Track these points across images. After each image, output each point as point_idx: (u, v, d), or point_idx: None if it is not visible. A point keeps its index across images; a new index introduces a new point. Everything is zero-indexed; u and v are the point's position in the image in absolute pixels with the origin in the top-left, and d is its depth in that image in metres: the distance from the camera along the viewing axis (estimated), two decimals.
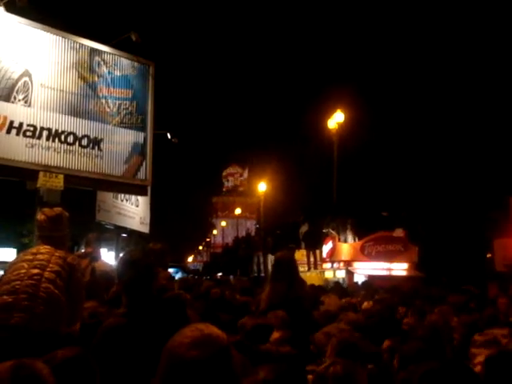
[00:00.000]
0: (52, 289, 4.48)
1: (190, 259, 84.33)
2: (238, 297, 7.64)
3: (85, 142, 10.66)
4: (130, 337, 3.15)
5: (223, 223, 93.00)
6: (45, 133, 10.10)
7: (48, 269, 4.56)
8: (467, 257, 21.99)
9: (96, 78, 11.04)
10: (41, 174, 9.88)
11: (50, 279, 4.51)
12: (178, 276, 23.94)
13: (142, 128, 11.81)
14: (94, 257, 7.52)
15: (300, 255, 20.91)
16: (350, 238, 20.83)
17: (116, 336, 3.20)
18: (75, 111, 10.59)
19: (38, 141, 10.02)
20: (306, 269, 21.61)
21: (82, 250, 8.49)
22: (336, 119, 23.88)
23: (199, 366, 1.79)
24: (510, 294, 10.04)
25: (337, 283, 15.84)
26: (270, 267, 26.92)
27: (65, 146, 10.36)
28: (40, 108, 10.10)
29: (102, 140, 10.95)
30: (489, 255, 19.75)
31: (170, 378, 1.81)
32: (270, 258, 27.04)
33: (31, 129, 9.95)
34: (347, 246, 20.51)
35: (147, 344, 2.91)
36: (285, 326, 4.96)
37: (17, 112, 9.81)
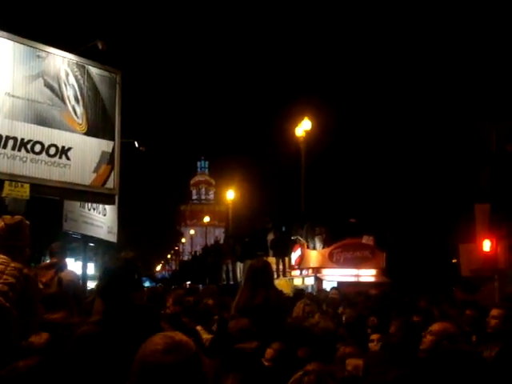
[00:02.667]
0: (2, 301, 4.36)
1: (159, 268, 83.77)
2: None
3: (52, 151, 10.55)
4: (103, 345, 3.13)
5: (192, 231, 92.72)
6: (10, 142, 9.96)
7: (1, 280, 4.43)
8: (434, 262, 22.32)
9: (63, 87, 10.95)
10: (6, 184, 9.75)
11: (1, 291, 4.39)
12: (146, 285, 23.80)
13: (110, 137, 11.75)
14: (60, 267, 7.46)
15: None
16: (318, 244, 20.93)
17: (89, 344, 3.17)
18: (42, 120, 10.47)
19: (3, 150, 9.88)
20: (275, 276, 21.67)
21: (48, 261, 8.42)
22: (303, 127, 24.01)
23: (173, 372, 1.81)
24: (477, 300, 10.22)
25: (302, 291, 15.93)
26: (239, 275, 26.88)
27: (31, 155, 10.23)
28: (5, 117, 9.97)
29: (70, 149, 10.85)
30: (454, 260, 20.05)
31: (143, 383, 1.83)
32: (239, 266, 27.02)
33: None
34: (316, 253, 20.59)
35: (120, 352, 2.90)
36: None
37: None
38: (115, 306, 3.31)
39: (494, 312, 5.72)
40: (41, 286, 6.85)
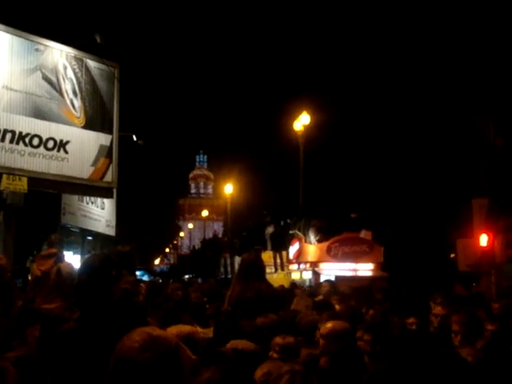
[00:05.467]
0: None
1: (157, 261, 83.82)
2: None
3: (50, 144, 10.57)
4: (80, 343, 3.11)
5: (190, 225, 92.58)
6: (8, 135, 9.98)
7: None
8: (431, 257, 22.36)
9: (61, 80, 10.96)
10: (4, 177, 9.77)
11: None
12: (144, 278, 23.80)
13: (108, 130, 11.76)
14: (59, 257, 7.45)
15: (267, 257, 20.94)
16: (312, 237, 20.90)
17: (66, 342, 3.16)
18: (40, 113, 10.49)
19: (1, 143, 9.90)
20: (273, 270, 21.66)
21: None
22: (302, 121, 23.96)
23: (149, 368, 1.80)
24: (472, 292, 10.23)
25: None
26: (236, 269, 26.97)
27: (29, 149, 10.26)
28: (3, 110, 9.98)
29: (68, 142, 10.87)
30: (452, 255, 20.09)
31: (120, 381, 1.82)
32: (237, 260, 27.08)
33: None
34: (313, 247, 20.58)
35: (99, 350, 2.90)
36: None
37: None
38: (92, 303, 3.29)
39: (438, 311, 5.54)
40: (39, 275, 6.85)
